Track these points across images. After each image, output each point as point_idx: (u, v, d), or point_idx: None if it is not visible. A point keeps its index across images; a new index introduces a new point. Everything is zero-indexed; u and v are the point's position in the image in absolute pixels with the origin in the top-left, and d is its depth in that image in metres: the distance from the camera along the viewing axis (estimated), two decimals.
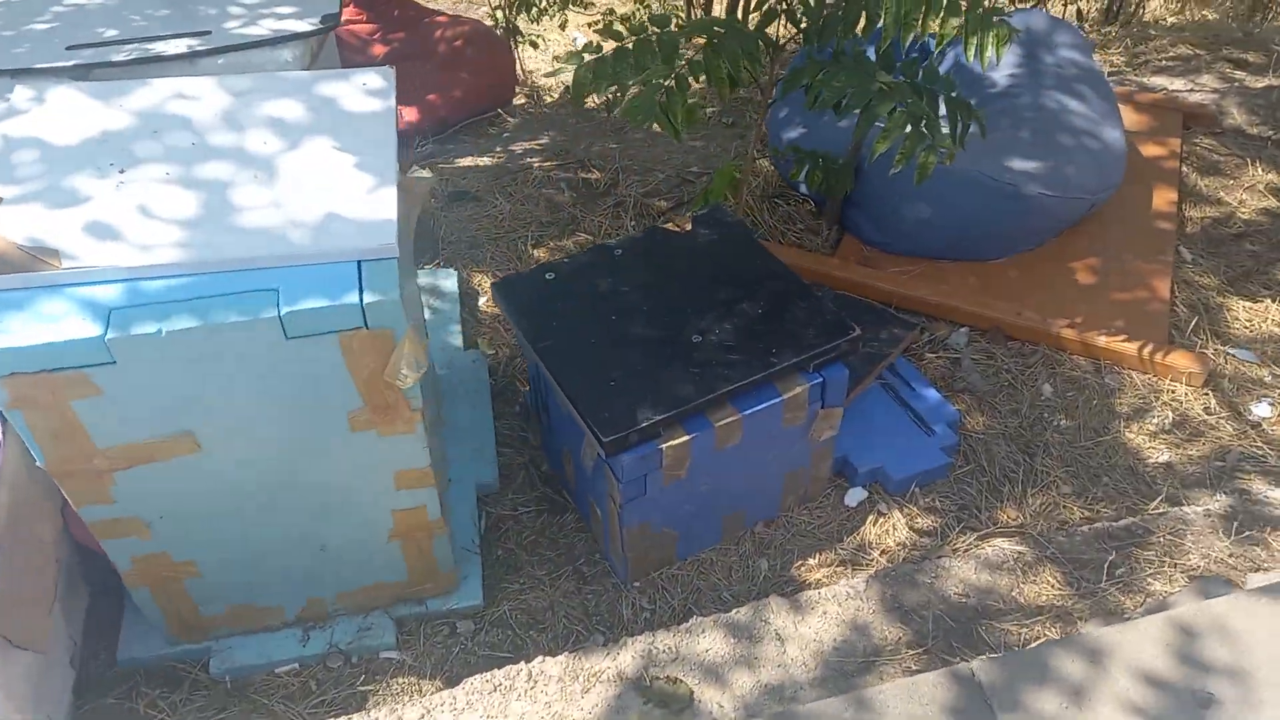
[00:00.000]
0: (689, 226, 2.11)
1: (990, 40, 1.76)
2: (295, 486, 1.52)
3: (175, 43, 2.13)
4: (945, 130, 1.94)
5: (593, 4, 5.35)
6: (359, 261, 1.32)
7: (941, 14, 1.78)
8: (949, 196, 2.46)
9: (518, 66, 4.28)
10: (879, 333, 2.36)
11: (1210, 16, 4.42)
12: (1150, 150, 2.93)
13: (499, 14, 4.21)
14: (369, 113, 1.56)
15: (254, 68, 2.15)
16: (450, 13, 3.97)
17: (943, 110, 2.02)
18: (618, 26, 1.89)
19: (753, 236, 2.07)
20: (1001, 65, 2.69)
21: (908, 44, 1.84)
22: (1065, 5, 4.41)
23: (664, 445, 1.69)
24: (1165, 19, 4.61)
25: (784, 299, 1.90)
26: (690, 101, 1.78)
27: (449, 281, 2.41)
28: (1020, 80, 2.63)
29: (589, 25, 5.52)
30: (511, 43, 4.24)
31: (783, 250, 2.59)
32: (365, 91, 1.61)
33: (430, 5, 4.65)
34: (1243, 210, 2.80)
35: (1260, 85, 3.30)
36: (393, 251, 1.33)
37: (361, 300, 1.28)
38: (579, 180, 2.92)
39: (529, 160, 3.09)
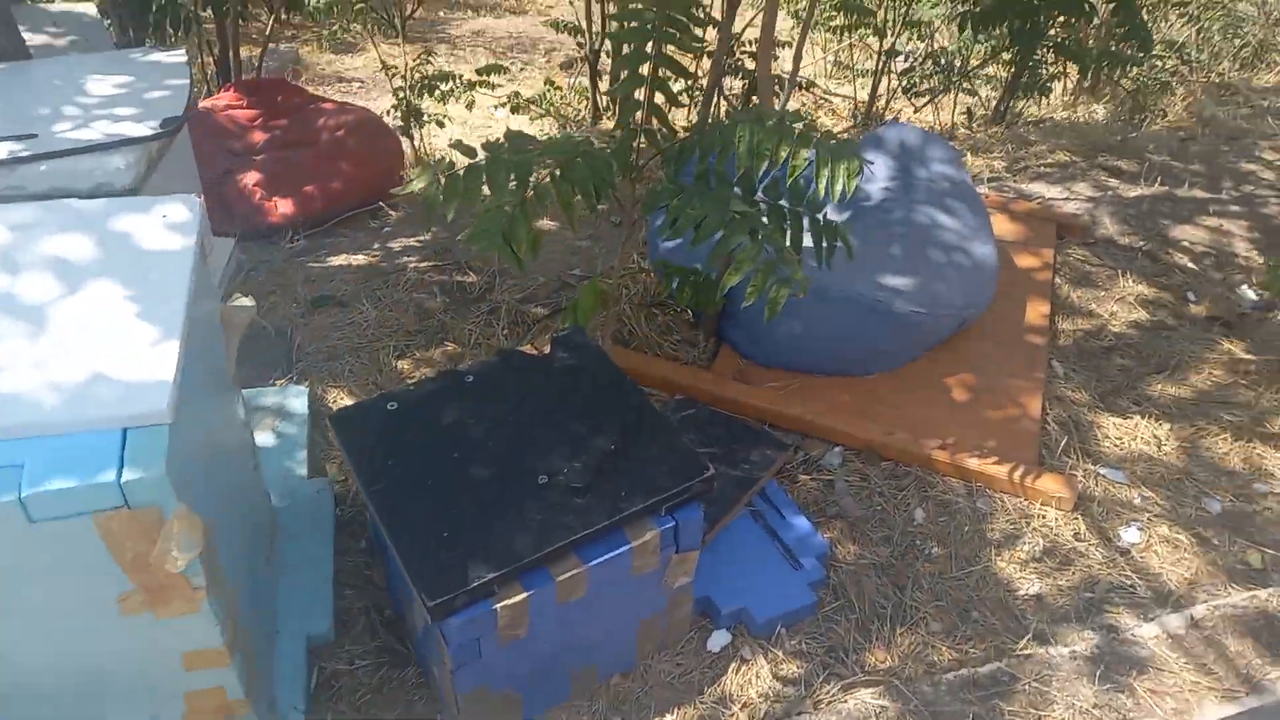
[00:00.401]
0: (547, 349, 2.02)
1: (841, 172, 1.72)
2: (68, 673, 1.34)
3: None
4: (811, 252, 1.89)
5: (500, 84, 5.33)
6: (124, 430, 1.18)
7: (793, 145, 1.74)
8: (820, 314, 2.42)
9: (417, 153, 4.20)
10: (750, 454, 2.29)
11: (1099, 114, 4.59)
12: (1025, 261, 2.97)
13: (399, 94, 4.14)
14: (165, 251, 1.43)
15: (81, 175, 2.00)
16: (339, 100, 3.87)
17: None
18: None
19: (612, 363, 1.98)
20: (876, 179, 2.70)
21: (760, 173, 1.80)
22: (954, 106, 4.55)
23: (498, 605, 1.56)
24: (1054, 115, 4.78)
25: (640, 434, 1.81)
26: (536, 230, 1.69)
27: (298, 401, 2.25)
28: (893, 194, 2.63)
29: (497, 105, 5.50)
30: (411, 126, 4.16)
31: (657, 363, 2.51)
32: (165, 225, 1.48)
33: (330, 91, 4.54)
34: (1114, 323, 2.83)
35: (1133, 194, 3.40)
36: (163, 418, 1.19)
37: (120, 478, 1.13)
38: (454, 284, 2.81)
39: (405, 259, 2.97)
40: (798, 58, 2.59)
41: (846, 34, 4.55)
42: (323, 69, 7.81)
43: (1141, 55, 3.68)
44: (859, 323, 2.42)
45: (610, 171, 1.82)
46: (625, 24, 1.92)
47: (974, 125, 4.56)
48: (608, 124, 4.96)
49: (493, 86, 5.29)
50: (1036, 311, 2.77)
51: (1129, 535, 2.23)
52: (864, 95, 4.54)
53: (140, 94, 2.22)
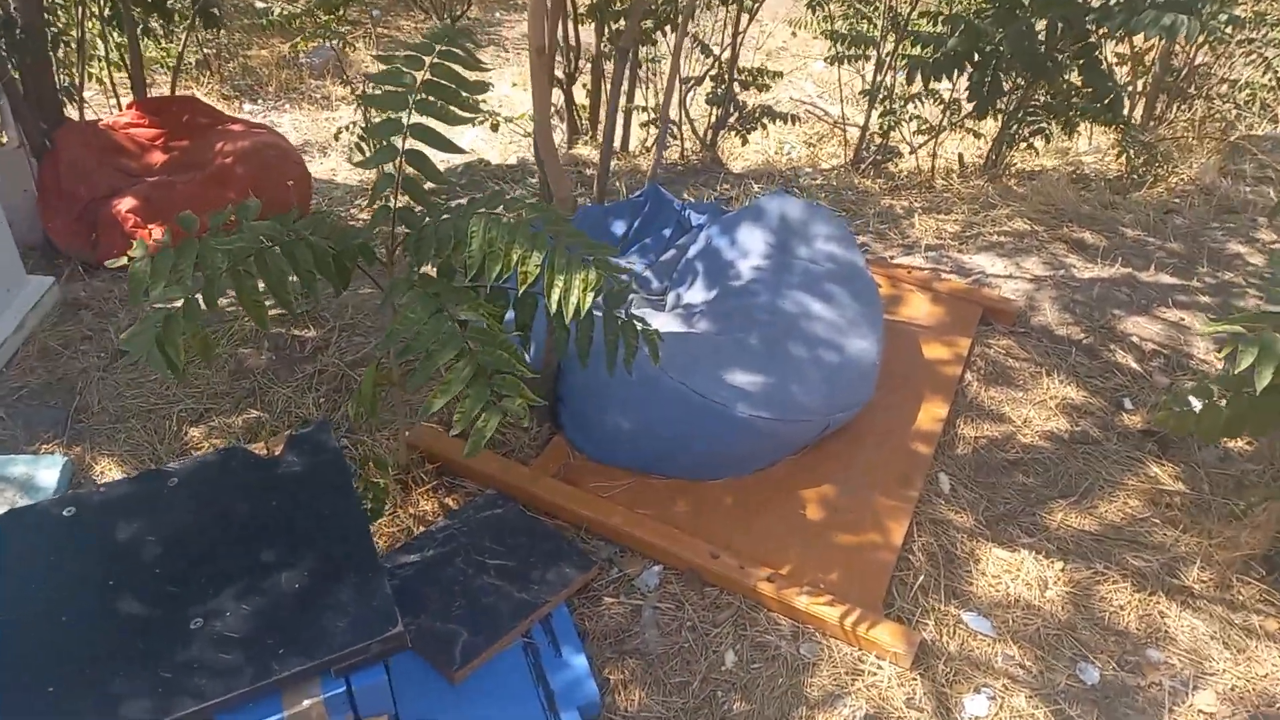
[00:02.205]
0: (279, 449, 1.76)
1: (576, 286, 1.43)
2: None
3: None
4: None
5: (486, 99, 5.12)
6: None
7: (524, 247, 1.46)
8: (651, 408, 2.12)
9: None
10: (547, 571, 2.00)
11: (1092, 167, 4.16)
12: (934, 351, 2.61)
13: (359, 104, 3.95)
14: None
15: None
16: (252, 122, 3.67)
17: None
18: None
19: (346, 477, 1.71)
20: (751, 254, 2.39)
21: (493, 278, 1.51)
22: (934, 157, 4.17)
23: None
24: (1045, 164, 4.36)
25: (338, 572, 1.54)
26: (205, 332, 1.44)
27: (49, 473, 2.04)
28: (764, 275, 2.32)
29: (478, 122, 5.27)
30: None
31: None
32: None
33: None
34: (1025, 431, 2.47)
35: (1087, 275, 3.01)
36: None
37: None
38: (289, 338, 2.58)
39: None
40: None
41: (846, 63, 4.22)
42: (366, 66, 7.76)
43: (1111, 115, 3.26)
44: (694, 423, 2.12)
45: (319, 269, 1.56)
46: (379, 87, 1.65)
47: (959, 174, 4.17)
48: (583, 149, 4.70)
49: (483, 101, 5.08)
50: (931, 414, 2.42)
51: (974, 706, 1.88)
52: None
53: None
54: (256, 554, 1.56)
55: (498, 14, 7.66)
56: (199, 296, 1.42)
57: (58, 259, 3.09)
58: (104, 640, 1.43)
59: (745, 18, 4.17)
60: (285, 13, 4.84)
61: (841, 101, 5.01)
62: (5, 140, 2.97)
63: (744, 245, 2.40)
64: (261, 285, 1.50)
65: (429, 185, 1.71)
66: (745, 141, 4.70)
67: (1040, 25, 2.94)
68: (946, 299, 2.78)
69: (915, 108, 4.23)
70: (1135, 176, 3.80)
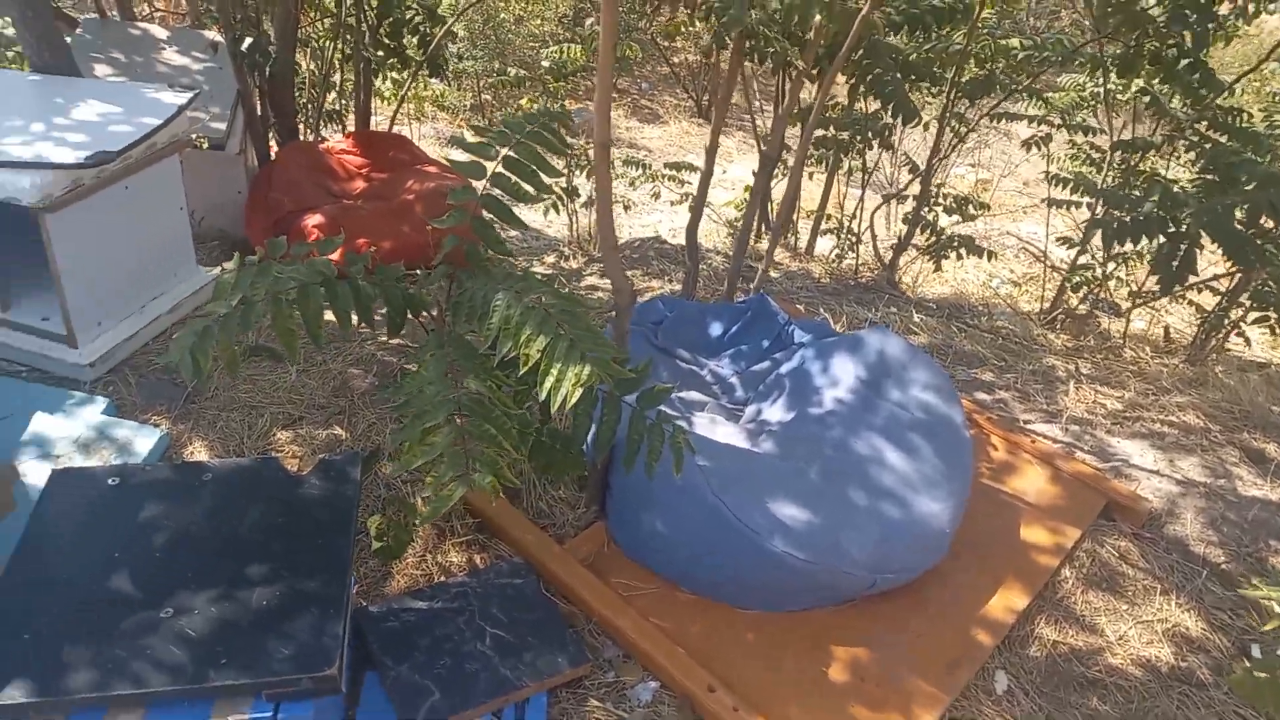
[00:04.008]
0: (307, 471, 1.86)
1: (569, 379, 1.42)
2: None
3: None
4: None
5: (689, 181, 5.27)
6: None
7: (532, 330, 1.47)
8: (685, 518, 2.05)
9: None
10: (539, 656, 1.96)
11: None
12: (1033, 534, 2.35)
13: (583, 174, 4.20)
14: None
15: None
16: (445, 167, 3.97)
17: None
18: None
19: (350, 515, 1.77)
20: (839, 384, 2.28)
21: (503, 353, 1.53)
22: (1128, 323, 3.81)
23: None
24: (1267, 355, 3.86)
25: (303, 603, 1.59)
26: (234, 350, 1.55)
27: (145, 442, 2.25)
28: (844, 409, 2.20)
29: (678, 200, 5.41)
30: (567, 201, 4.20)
31: (513, 518, 2.25)
32: None
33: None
34: (1116, 651, 2.15)
35: (1249, 494, 2.61)
36: None
37: None
38: (397, 368, 2.73)
39: (381, 330, 2.94)
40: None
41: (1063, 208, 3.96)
42: (619, 134, 8.30)
43: None
44: (724, 544, 2.02)
45: (360, 313, 1.64)
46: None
47: (1158, 348, 3.79)
48: (763, 244, 4.72)
49: (682, 182, 5.26)
50: (1007, 602, 2.17)
51: None
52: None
53: (107, 125, 2.36)
54: (244, 564, 1.65)
55: (759, 103, 7.91)
56: (240, 315, 1.53)
57: (248, 256, 3.46)
58: (86, 605, 1.55)
59: (950, 138, 4.04)
60: (519, 74, 5.24)
61: (1047, 245, 4.72)
62: (229, 147, 3.37)
63: (834, 374, 2.29)
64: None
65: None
66: (938, 267, 4.52)
67: (1243, 204, 2.62)
68: (1067, 480, 2.51)
69: (1117, 266, 3.90)
70: None
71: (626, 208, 5.59)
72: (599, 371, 1.42)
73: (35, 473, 2.13)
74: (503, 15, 7.56)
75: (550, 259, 4.38)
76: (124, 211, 2.41)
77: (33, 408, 2.30)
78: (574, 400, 1.41)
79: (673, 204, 5.77)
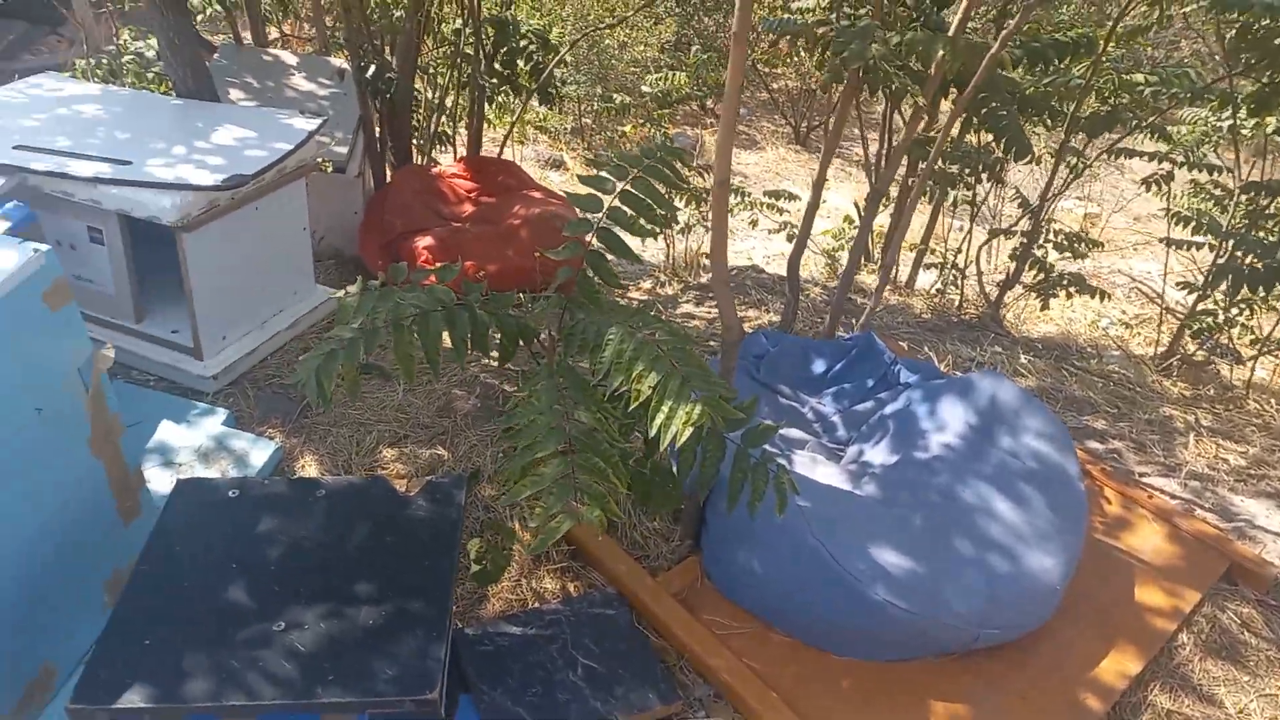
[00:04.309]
0: (414, 491, 1.91)
1: (679, 419, 1.42)
2: None
3: (87, 165, 2.33)
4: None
5: (779, 205, 5.25)
6: None
7: (644, 365, 1.48)
8: (784, 559, 2.02)
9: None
10: (630, 690, 1.96)
11: None
12: (1150, 596, 2.24)
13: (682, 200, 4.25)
14: None
15: (139, 205, 2.29)
16: (556, 192, 4.04)
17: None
18: None
19: (455, 534, 1.81)
20: (947, 429, 2.22)
21: (613, 391, 1.54)
22: (1251, 372, 3.61)
23: None
24: None
25: (409, 622, 1.63)
26: (356, 372, 1.61)
27: (260, 454, 2.35)
28: (952, 454, 2.15)
29: (775, 230, 5.37)
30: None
31: (609, 548, 2.25)
32: None
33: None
34: None
35: None
36: None
37: None
38: (498, 391, 2.78)
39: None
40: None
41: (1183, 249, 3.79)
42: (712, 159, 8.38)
43: None
44: (825, 589, 1.98)
45: (475, 341, 1.68)
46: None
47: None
48: (865, 276, 4.65)
49: (780, 211, 5.25)
50: (1119, 667, 2.07)
51: None
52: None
53: (243, 150, 2.48)
54: (352, 581, 1.69)
55: (856, 131, 7.89)
56: (362, 339, 1.58)
57: (361, 276, 3.58)
58: (205, 615, 1.61)
59: (1065, 175, 3.91)
60: (624, 101, 5.30)
61: (1164, 287, 4.52)
62: (349, 170, 3.51)
63: (942, 417, 2.23)
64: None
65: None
66: (1046, 306, 4.38)
67: None
68: (1187, 540, 2.38)
69: (1241, 312, 3.70)
70: None
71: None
72: (710, 411, 1.41)
73: (158, 479, 2.23)
74: (607, 41, 7.68)
75: (646, 284, 4.41)
76: (253, 231, 2.53)
77: (159, 416, 2.42)
78: (684, 439, 1.41)
79: (770, 232, 5.75)
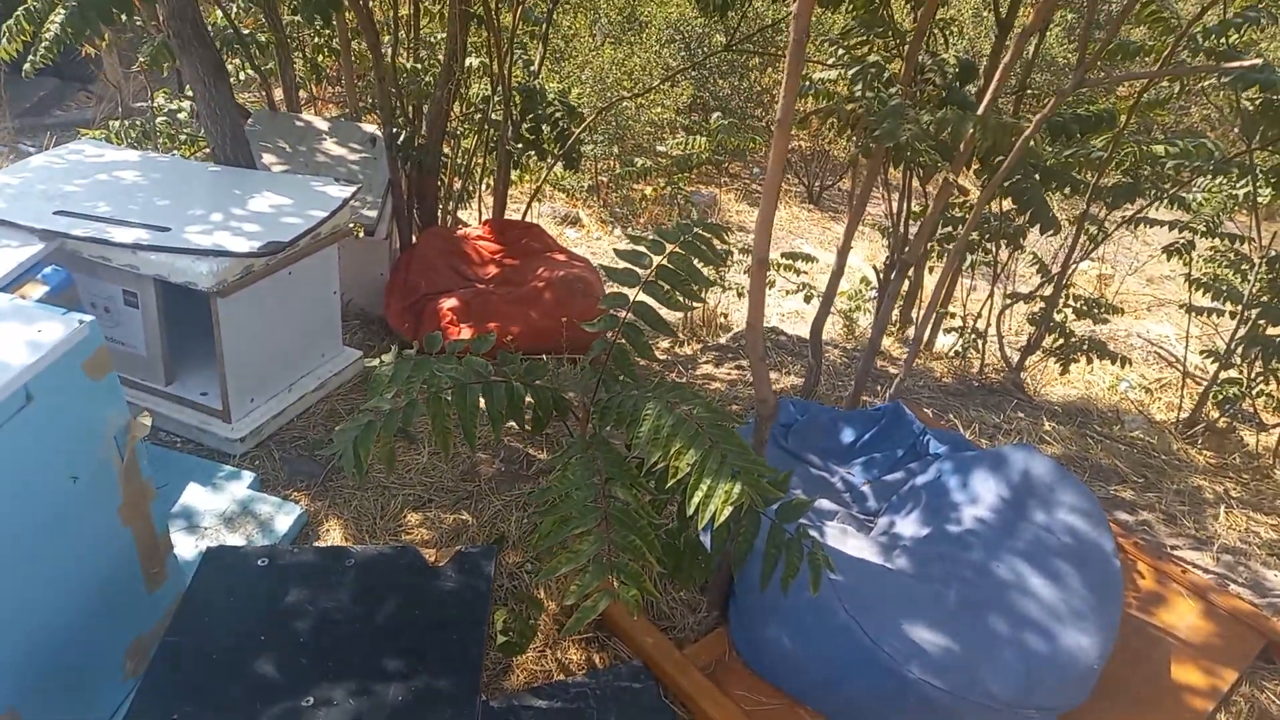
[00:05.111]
0: (444, 562, 1.89)
1: (719, 496, 1.41)
2: None
3: (127, 232, 2.37)
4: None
5: (806, 271, 5.27)
6: None
7: (683, 442, 1.47)
8: (816, 636, 1.99)
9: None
10: None
11: None
12: (1185, 674, 2.19)
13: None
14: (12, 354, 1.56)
15: (176, 271, 2.32)
16: (578, 255, 4.09)
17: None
18: None
19: (485, 603, 1.79)
20: (979, 502, 2.20)
21: (649, 466, 1.54)
22: (1275, 440, 3.58)
23: None
24: None
25: (438, 699, 1.60)
26: (393, 445, 1.61)
27: (285, 520, 2.34)
28: (986, 529, 2.12)
29: (791, 291, 5.37)
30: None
31: (636, 621, 2.22)
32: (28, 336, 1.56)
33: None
34: None
35: None
36: None
37: None
38: (523, 455, 2.78)
39: None
40: None
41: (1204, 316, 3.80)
42: (729, 217, 8.48)
43: None
44: (859, 667, 1.95)
45: (510, 412, 1.68)
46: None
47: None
48: (887, 341, 4.66)
49: (798, 272, 5.27)
50: None
51: None
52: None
53: (279, 217, 2.52)
54: (381, 655, 1.67)
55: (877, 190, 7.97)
56: (400, 411, 1.59)
57: (386, 336, 3.61)
58: (233, 689, 1.59)
59: (1084, 242, 3.92)
60: (645, 165, 5.38)
61: (1186, 352, 4.51)
62: (378, 233, 3.56)
63: (975, 490, 2.22)
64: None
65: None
66: (1066, 370, 4.37)
67: None
68: (1223, 617, 2.34)
69: (1270, 384, 3.69)
70: None
71: (740, 295, 5.61)
72: (750, 491, 1.41)
73: (183, 544, 2.23)
74: (625, 103, 7.83)
75: (664, 344, 4.42)
76: (285, 295, 2.56)
77: (185, 479, 2.43)
78: (723, 517, 1.40)
79: (786, 293, 5.77)
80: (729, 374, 3.83)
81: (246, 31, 4.08)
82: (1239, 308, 3.59)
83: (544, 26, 4.30)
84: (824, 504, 2.32)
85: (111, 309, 2.53)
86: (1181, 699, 2.15)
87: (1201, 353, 4.00)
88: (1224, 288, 3.62)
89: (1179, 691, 2.16)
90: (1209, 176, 3.58)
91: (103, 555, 1.81)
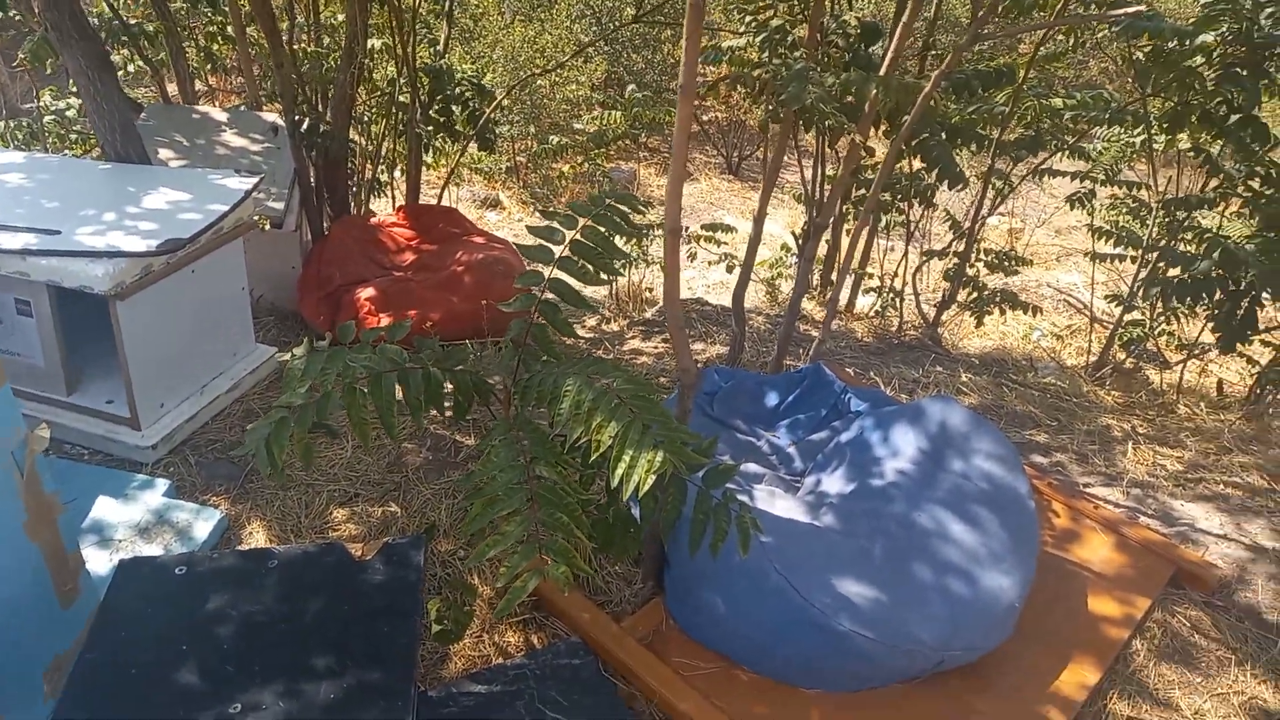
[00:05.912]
0: (371, 555, 1.87)
1: (641, 466, 1.42)
2: None
3: (14, 237, 2.26)
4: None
5: (727, 242, 5.30)
6: None
7: (604, 415, 1.47)
8: (749, 597, 2.02)
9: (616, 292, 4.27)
10: None
11: None
12: (1102, 606, 2.29)
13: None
14: None
15: (69, 275, 2.23)
16: (494, 237, 4.03)
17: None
18: None
19: (416, 597, 1.77)
20: (900, 455, 2.25)
21: (572, 442, 1.54)
22: (1181, 378, 3.74)
23: None
24: None
25: (371, 694, 1.59)
26: (308, 439, 1.57)
27: (204, 526, 2.27)
28: (906, 481, 2.18)
29: (714, 261, 5.41)
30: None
31: (572, 597, 2.23)
32: None
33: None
34: None
35: None
36: None
37: None
38: (450, 442, 2.75)
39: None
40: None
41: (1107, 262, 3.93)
42: (650, 192, 8.43)
43: None
44: (791, 624, 1.98)
45: (429, 399, 1.66)
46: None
47: (1213, 404, 3.71)
48: (809, 304, 4.71)
49: (719, 243, 5.29)
50: (1078, 678, 2.11)
51: None
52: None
53: (177, 213, 2.43)
54: (310, 655, 1.65)
55: (787, 158, 8.03)
56: (314, 405, 1.55)
57: (301, 331, 3.52)
58: (156, 703, 1.55)
59: (992, 196, 4.03)
60: (561, 142, 5.33)
61: (1092, 298, 4.67)
62: (286, 224, 3.46)
63: (895, 444, 2.27)
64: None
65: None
66: (980, 323, 4.49)
67: None
68: (1133, 548, 2.45)
69: (1171, 324, 3.84)
70: None
71: (662, 268, 5.62)
72: (672, 458, 1.42)
73: (96, 559, 2.15)
74: (539, 82, 7.74)
75: (591, 322, 4.41)
76: (189, 295, 2.47)
77: (95, 491, 2.34)
78: (647, 487, 1.41)
79: (709, 263, 5.80)
80: (656, 347, 3.84)
81: (134, 21, 3.91)
82: (1140, 252, 3.73)
83: (448, 4, 4.21)
84: (751, 468, 2.35)
85: (4, 319, 2.42)
86: (1099, 630, 2.24)
87: (1107, 297, 4.15)
88: (1125, 234, 3.75)
89: (1096, 623, 2.26)
90: (1106, 126, 3.70)
91: (10, 573, 1.74)
